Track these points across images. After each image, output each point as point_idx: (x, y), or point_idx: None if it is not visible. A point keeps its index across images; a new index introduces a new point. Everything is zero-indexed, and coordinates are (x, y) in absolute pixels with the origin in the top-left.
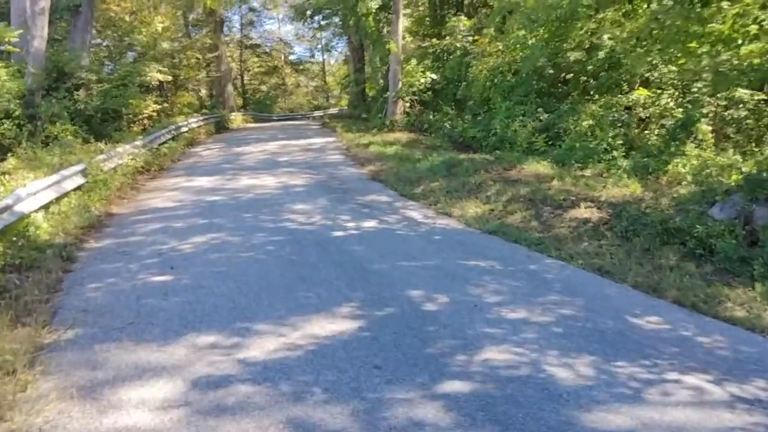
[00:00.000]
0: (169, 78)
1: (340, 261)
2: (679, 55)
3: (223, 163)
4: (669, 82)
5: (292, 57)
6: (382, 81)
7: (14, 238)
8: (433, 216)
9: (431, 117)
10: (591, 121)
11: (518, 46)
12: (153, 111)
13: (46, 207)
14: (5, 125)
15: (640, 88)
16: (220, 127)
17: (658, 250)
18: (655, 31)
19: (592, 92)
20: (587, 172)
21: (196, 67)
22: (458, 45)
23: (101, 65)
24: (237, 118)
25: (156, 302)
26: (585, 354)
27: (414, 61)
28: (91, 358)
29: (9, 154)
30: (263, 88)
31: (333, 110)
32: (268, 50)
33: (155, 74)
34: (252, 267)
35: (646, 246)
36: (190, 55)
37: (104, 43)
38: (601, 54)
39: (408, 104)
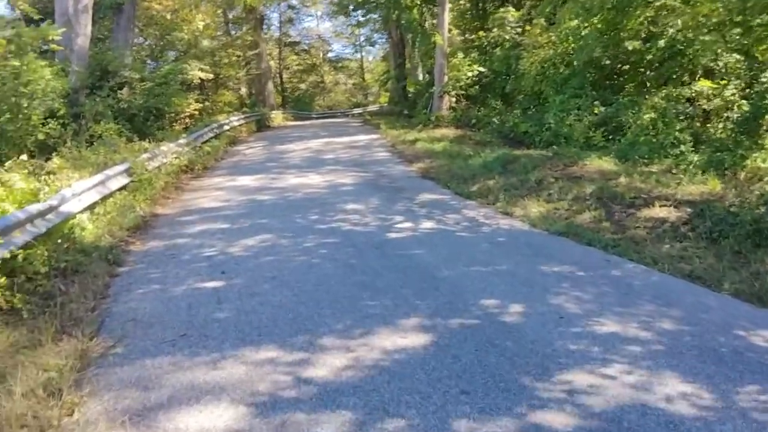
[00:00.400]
0: (210, 76)
1: (402, 266)
2: (745, 42)
3: (267, 162)
4: (734, 72)
5: (330, 54)
6: (422, 76)
7: (59, 240)
8: (493, 216)
9: (478, 112)
10: (653, 114)
11: (571, 36)
12: (195, 109)
13: (91, 207)
14: (50, 124)
15: (702, 78)
16: (261, 125)
17: (751, 254)
18: (738, 15)
19: (649, 84)
20: (654, 168)
21: (237, 65)
22: (507, 37)
23: (143, 63)
24: (277, 117)
25: (208, 311)
26: (703, 377)
27: (460, 55)
28: (142, 376)
29: (54, 154)
30: (302, 86)
31: (372, 107)
32: (306, 48)
33: (196, 72)
34: (308, 272)
35: (736, 248)
36: (230, 52)
37: (146, 42)
38: (662, 43)
39: (454, 99)
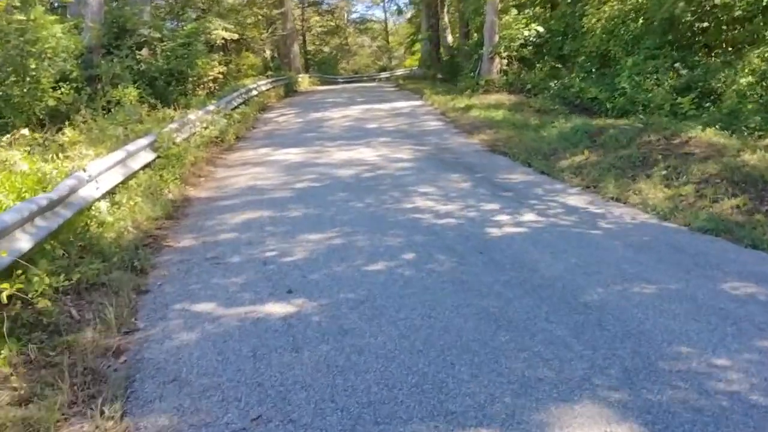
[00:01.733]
0: (235, 36)
1: (529, 283)
2: None
3: (305, 132)
4: None
5: (354, 15)
6: (451, 39)
7: (72, 239)
8: (604, 204)
9: (534, 75)
10: (750, 78)
11: None
12: (219, 72)
13: (110, 193)
14: (62, 89)
15: None
16: (289, 90)
17: None
18: None
19: (733, 43)
20: None
21: (261, 25)
22: None
23: (162, 21)
24: (304, 80)
25: (284, 364)
26: None
27: (514, 12)
28: None
29: (66, 122)
30: (325, 49)
31: (400, 71)
32: (329, 8)
33: (220, 32)
34: (405, 292)
35: None
36: (255, 11)
37: None
38: None
39: (505, 61)
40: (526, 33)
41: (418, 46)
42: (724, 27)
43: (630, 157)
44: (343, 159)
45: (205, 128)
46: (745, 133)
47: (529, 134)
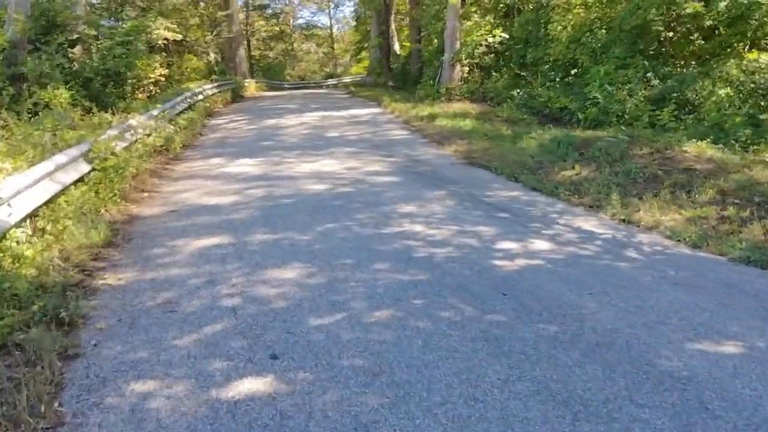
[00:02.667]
0: (179, 36)
1: (584, 341)
2: None
3: (260, 140)
4: None
5: (300, 21)
6: (398, 47)
7: None
8: (614, 226)
9: (497, 84)
10: (729, 90)
11: None
12: (160, 75)
13: (32, 216)
14: None
15: (754, 50)
16: (236, 95)
17: None
18: None
19: (701, 54)
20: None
21: (205, 27)
22: None
23: (99, 17)
24: (251, 86)
25: None
26: None
27: (476, 17)
28: None
29: None
30: (270, 54)
31: (348, 78)
32: (275, 12)
33: (162, 31)
34: (429, 359)
35: None
36: (201, 12)
37: None
38: (722, 5)
39: (467, 69)
40: (491, 39)
41: (364, 54)
42: (692, 37)
43: (629, 172)
44: (307, 172)
45: (149, 135)
46: (736, 146)
47: (505, 146)
